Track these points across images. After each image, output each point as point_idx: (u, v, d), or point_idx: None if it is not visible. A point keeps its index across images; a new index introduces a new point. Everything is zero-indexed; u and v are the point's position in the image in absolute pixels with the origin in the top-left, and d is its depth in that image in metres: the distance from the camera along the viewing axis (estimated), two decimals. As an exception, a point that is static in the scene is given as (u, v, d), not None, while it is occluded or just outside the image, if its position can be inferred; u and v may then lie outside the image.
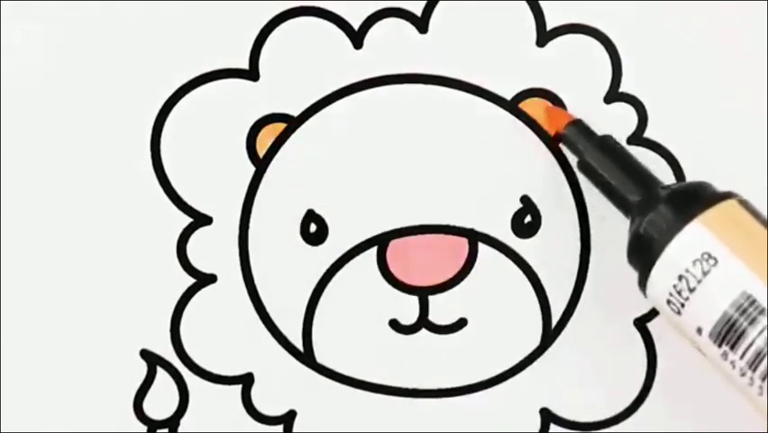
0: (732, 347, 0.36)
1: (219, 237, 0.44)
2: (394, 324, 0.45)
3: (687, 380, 0.45)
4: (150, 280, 0.45)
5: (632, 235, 0.39)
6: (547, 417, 0.45)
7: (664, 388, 0.45)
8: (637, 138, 0.44)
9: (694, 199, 0.38)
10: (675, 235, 0.37)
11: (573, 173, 0.44)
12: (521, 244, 0.44)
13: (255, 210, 0.44)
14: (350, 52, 0.43)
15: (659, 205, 0.38)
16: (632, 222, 0.40)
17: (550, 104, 0.43)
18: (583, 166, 0.42)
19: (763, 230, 0.37)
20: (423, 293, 0.44)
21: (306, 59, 0.43)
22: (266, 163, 0.44)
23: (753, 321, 0.35)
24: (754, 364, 0.36)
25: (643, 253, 0.38)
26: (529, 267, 0.44)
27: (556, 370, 0.45)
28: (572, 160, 0.43)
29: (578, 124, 0.42)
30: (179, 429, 0.45)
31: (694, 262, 0.36)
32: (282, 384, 0.45)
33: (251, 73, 0.43)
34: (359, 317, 0.45)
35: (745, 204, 0.37)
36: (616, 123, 0.44)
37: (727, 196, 0.38)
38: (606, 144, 0.42)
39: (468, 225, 0.44)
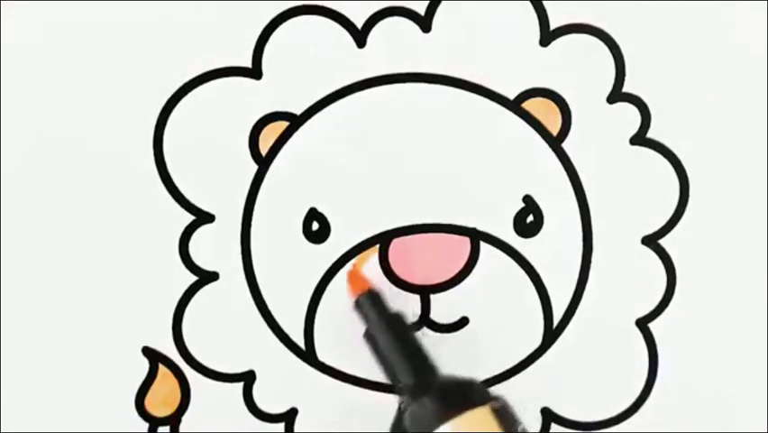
0: None
1: (221, 235, 0.44)
2: (396, 322, 0.45)
3: (688, 380, 0.45)
4: (153, 277, 0.45)
5: (395, 418, 0.41)
6: (548, 416, 0.45)
7: (665, 388, 0.45)
8: (640, 138, 0.44)
9: (455, 399, 0.40)
10: None
11: (576, 173, 0.44)
12: (523, 243, 0.44)
13: (257, 208, 0.44)
14: (353, 51, 0.43)
15: (424, 397, 0.40)
16: (400, 402, 0.41)
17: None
18: (368, 336, 0.43)
19: None
20: (424, 292, 0.44)
21: (308, 58, 0.43)
22: (268, 161, 0.44)
23: None
24: None
25: None
26: (531, 266, 0.44)
27: (557, 369, 0.45)
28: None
29: (373, 295, 0.43)
30: (181, 427, 0.45)
31: None
32: (284, 382, 0.45)
33: (254, 71, 0.43)
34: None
35: (497, 411, 0.39)
36: (619, 123, 0.44)
37: (486, 400, 0.40)
38: (393, 322, 0.42)
39: (470, 225, 0.44)
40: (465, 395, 0.40)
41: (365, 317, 0.43)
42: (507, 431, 0.39)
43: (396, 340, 0.42)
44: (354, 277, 0.44)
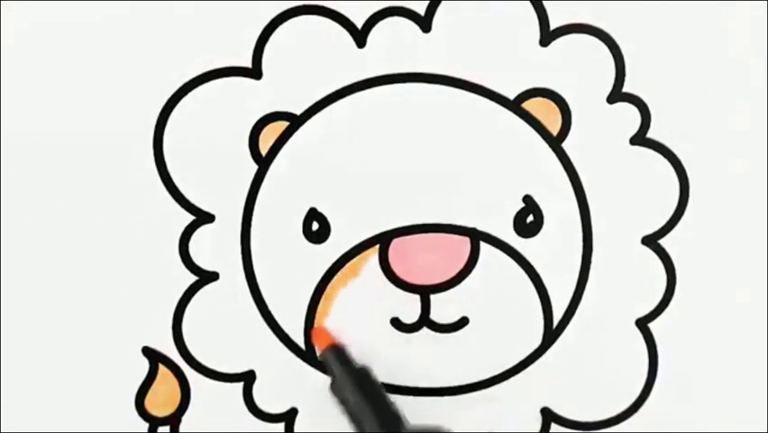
0: None
1: (221, 235, 0.44)
2: (396, 322, 0.45)
3: (688, 380, 0.45)
4: (153, 277, 0.45)
5: None
6: (548, 416, 0.45)
7: (665, 388, 0.45)
8: (640, 138, 0.44)
9: None
10: None
11: (576, 173, 0.44)
12: (523, 243, 0.44)
13: (257, 208, 0.44)
14: (353, 51, 0.43)
15: None
16: None
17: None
18: (334, 390, 0.43)
19: None
20: (424, 292, 0.44)
21: (308, 58, 0.43)
22: (268, 161, 0.44)
23: None
24: None
25: None
26: (531, 266, 0.44)
27: (557, 369, 0.45)
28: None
29: (337, 350, 0.43)
30: (181, 427, 0.45)
31: None
32: (284, 382, 0.45)
33: (254, 71, 0.44)
34: (360, 315, 0.45)
35: None
36: (619, 123, 0.44)
37: None
38: (359, 376, 0.43)
39: (470, 225, 0.44)
40: None
41: (331, 371, 0.43)
42: None
43: (362, 393, 0.42)
44: (318, 333, 0.44)
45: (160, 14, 0.43)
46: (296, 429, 0.45)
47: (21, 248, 0.44)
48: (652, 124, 0.44)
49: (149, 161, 0.44)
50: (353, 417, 0.42)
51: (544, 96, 0.44)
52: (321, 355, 0.44)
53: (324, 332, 0.44)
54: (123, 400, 0.45)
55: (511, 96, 0.44)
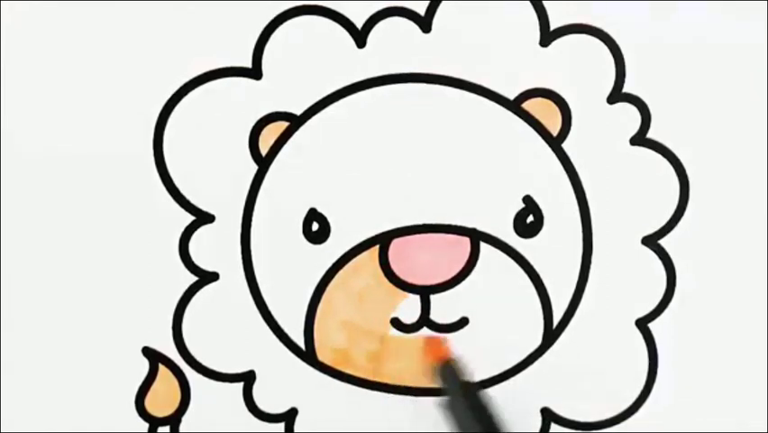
0: None
1: (221, 235, 0.44)
2: (395, 322, 0.45)
3: (688, 380, 0.45)
4: (153, 277, 0.45)
5: None
6: (548, 416, 0.45)
7: (665, 388, 0.45)
8: (640, 139, 0.44)
9: None
10: None
11: (576, 173, 0.44)
12: (523, 243, 0.44)
13: (257, 208, 0.44)
14: (353, 51, 0.43)
15: None
16: None
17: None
18: (447, 406, 0.42)
19: None
20: (424, 292, 0.44)
21: (308, 58, 0.43)
22: (268, 162, 0.44)
23: None
24: None
25: None
26: (531, 267, 0.44)
27: (557, 370, 0.45)
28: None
29: (451, 364, 0.43)
30: (181, 427, 0.45)
31: None
32: (284, 382, 0.45)
33: (254, 72, 0.43)
34: (360, 315, 0.45)
35: None
36: (618, 123, 0.44)
37: None
38: (469, 391, 0.42)
39: (470, 225, 0.44)
40: None
41: (444, 386, 0.43)
42: None
43: (474, 410, 0.41)
44: (432, 344, 0.44)
45: (160, 14, 0.43)
46: (296, 429, 0.45)
47: (20, 248, 0.44)
48: (652, 124, 0.44)
49: (149, 161, 0.44)
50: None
51: (543, 97, 0.44)
52: (434, 368, 0.43)
53: (440, 344, 0.44)
54: (123, 400, 0.45)
55: (511, 96, 0.44)
